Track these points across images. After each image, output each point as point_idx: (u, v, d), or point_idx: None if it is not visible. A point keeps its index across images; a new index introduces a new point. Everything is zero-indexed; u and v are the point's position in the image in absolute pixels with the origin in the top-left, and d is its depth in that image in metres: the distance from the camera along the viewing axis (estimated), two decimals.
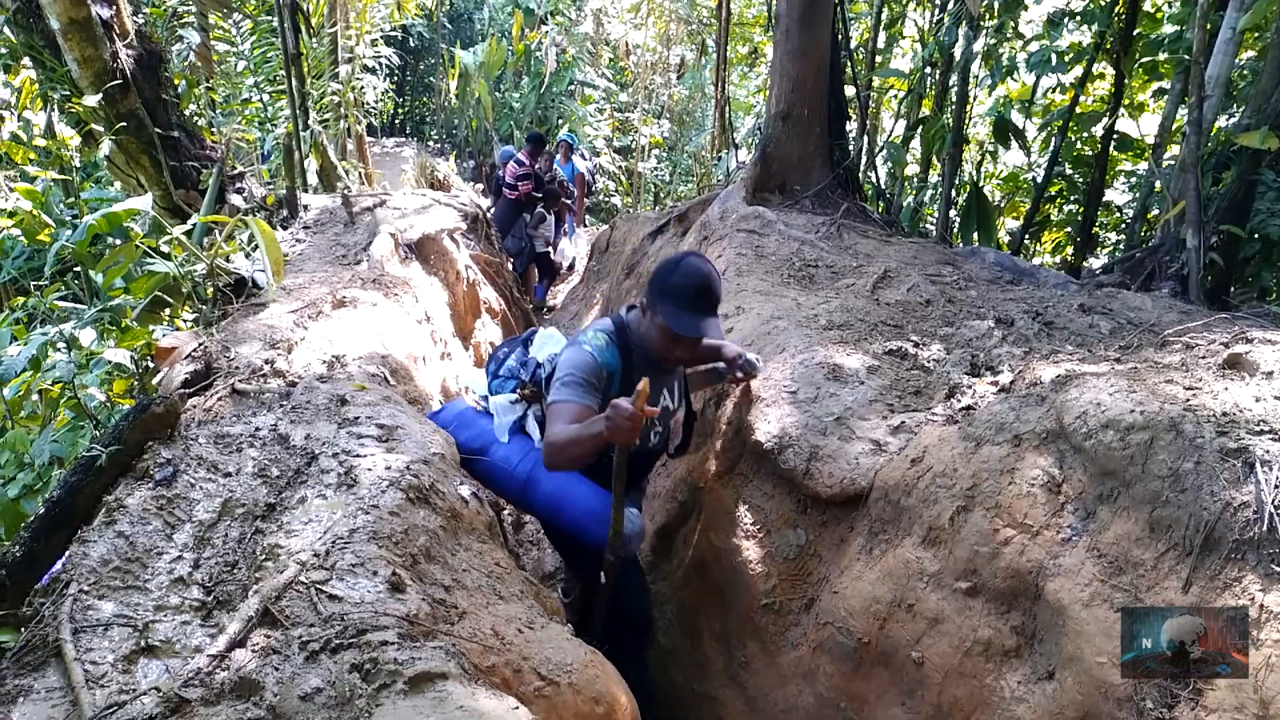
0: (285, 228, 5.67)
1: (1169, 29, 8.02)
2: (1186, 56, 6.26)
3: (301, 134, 7.15)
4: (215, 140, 5.96)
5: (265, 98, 10.07)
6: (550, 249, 10.57)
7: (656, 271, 2.87)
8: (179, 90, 5.72)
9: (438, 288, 5.54)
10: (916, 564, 2.59)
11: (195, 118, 6.71)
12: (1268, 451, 2.04)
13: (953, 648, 2.44)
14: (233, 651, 1.61)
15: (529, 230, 10.16)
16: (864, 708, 2.70)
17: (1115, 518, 2.23)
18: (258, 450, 2.44)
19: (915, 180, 10.99)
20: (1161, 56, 8.04)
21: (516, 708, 1.50)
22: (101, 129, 4.96)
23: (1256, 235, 6.94)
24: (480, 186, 13.04)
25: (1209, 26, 6.10)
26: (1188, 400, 2.28)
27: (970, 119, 10.75)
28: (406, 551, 2.11)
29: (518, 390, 3.26)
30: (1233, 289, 7.33)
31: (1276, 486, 1.98)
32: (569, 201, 11.49)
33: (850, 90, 8.77)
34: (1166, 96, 8.57)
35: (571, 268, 12.17)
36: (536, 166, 10.00)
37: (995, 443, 2.58)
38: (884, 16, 9.87)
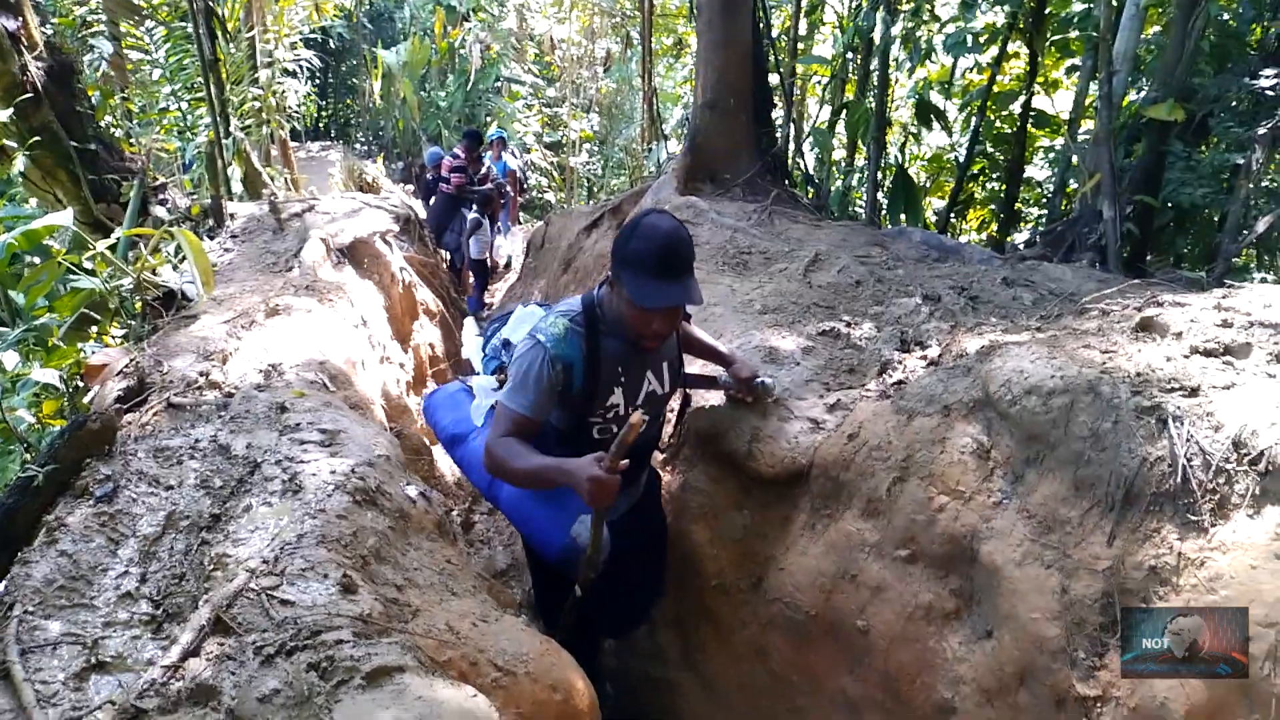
0: (212, 237, 5.57)
1: (1078, 6, 8.28)
2: (1095, 33, 6.46)
3: (224, 141, 7.02)
4: (134, 151, 5.82)
5: (184, 106, 9.84)
6: (487, 254, 10.50)
7: (617, 238, 2.54)
8: (93, 102, 5.58)
9: (373, 291, 5.50)
10: (858, 536, 2.68)
11: (112, 129, 6.54)
12: (1179, 408, 2.15)
13: (896, 614, 2.53)
14: (186, 661, 1.62)
15: (463, 238, 10.11)
16: (815, 679, 2.78)
17: (1042, 479, 2.33)
18: (199, 462, 2.42)
19: (842, 164, 11.17)
20: (1072, 34, 8.31)
21: (475, 695, 1.53)
22: (14, 144, 4.82)
23: (1169, 204, 7.21)
24: (410, 188, 12.92)
25: (1115, 3, 6.32)
26: (1104, 363, 2.39)
27: (893, 102, 10.95)
28: (356, 553, 2.12)
29: (496, 375, 3.09)
30: (1149, 257, 7.62)
31: (1188, 440, 2.09)
32: (504, 200, 11.45)
33: (775, 78, 8.88)
34: (1078, 73, 8.86)
35: (508, 266, 12.14)
36: (468, 171, 9.95)
37: (926, 414, 2.68)
38: (804, 3, 10.01)
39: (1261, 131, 6.21)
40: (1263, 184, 8.30)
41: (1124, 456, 2.17)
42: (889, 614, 2.55)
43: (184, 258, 4.38)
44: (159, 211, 5.47)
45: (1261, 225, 6.44)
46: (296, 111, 12.30)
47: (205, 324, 3.83)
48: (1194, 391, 2.19)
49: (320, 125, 26.58)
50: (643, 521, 3.13)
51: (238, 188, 7.41)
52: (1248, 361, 2.32)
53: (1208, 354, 2.38)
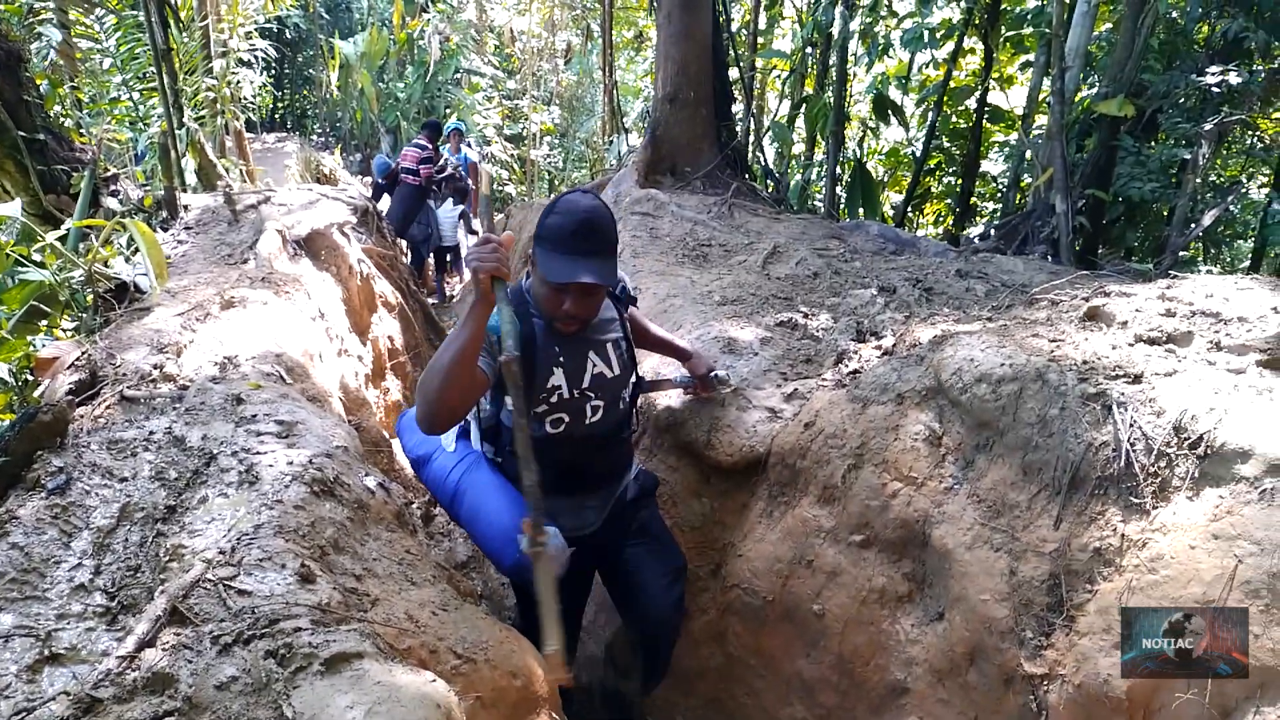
0: (165, 229, 5.48)
1: (1031, 3, 8.43)
2: (1048, 30, 6.59)
3: (177, 132, 6.89)
4: (85, 142, 5.71)
5: (135, 96, 9.65)
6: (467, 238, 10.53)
7: (540, 216, 2.44)
8: (42, 91, 5.47)
9: (330, 283, 5.45)
10: (814, 522, 2.72)
11: (62, 119, 6.41)
12: (1123, 394, 2.21)
13: (851, 598, 2.58)
14: (142, 652, 1.60)
15: (436, 228, 10.11)
16: (771, 663, 2.82)
17: (991, 465, 2.38)
18: (153, 453, 2.40)
19: (801, 158, 11.26)
20: (1026, 30, 8.44)
21: (434, 680, 1.54)
22: None
23: (1120, 198, 7.36)
24: (368, 179, 12.80)
25: (1067, 1, 6.44)
26: (1052, 352, 2.45)
27: (851, 97, 11.05)
28: (314, 544, 2.12)
29: None
30: (1100, 250, 7.77)
31: (1132, 425, 2.15)
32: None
33: (735, 72, 8.93)
34: (1032, 69, 9.00)
35: None
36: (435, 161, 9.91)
37: (880, 402, 2.72)
38: None
39: (1208, 127, 6.37)
40: (1209, 179, 8.51)
41: (1070, 442, 2.23)
42: (844, 598, 2.60)
43: (136, 250, 4.31)
44: (111, 203, 5.37)
45: (1208, 219, 6.61)
46: (252, 102, 12.13)
47: (159, 316, 3.77)
48: (1138, 378, 2.26)
49: (276, 117, 26.20)
50: (638, 527, 2.85)
51: (192, 179, 7.28)
52: (1189, 349, 2.40)
53: (1151, 342, 2.45)
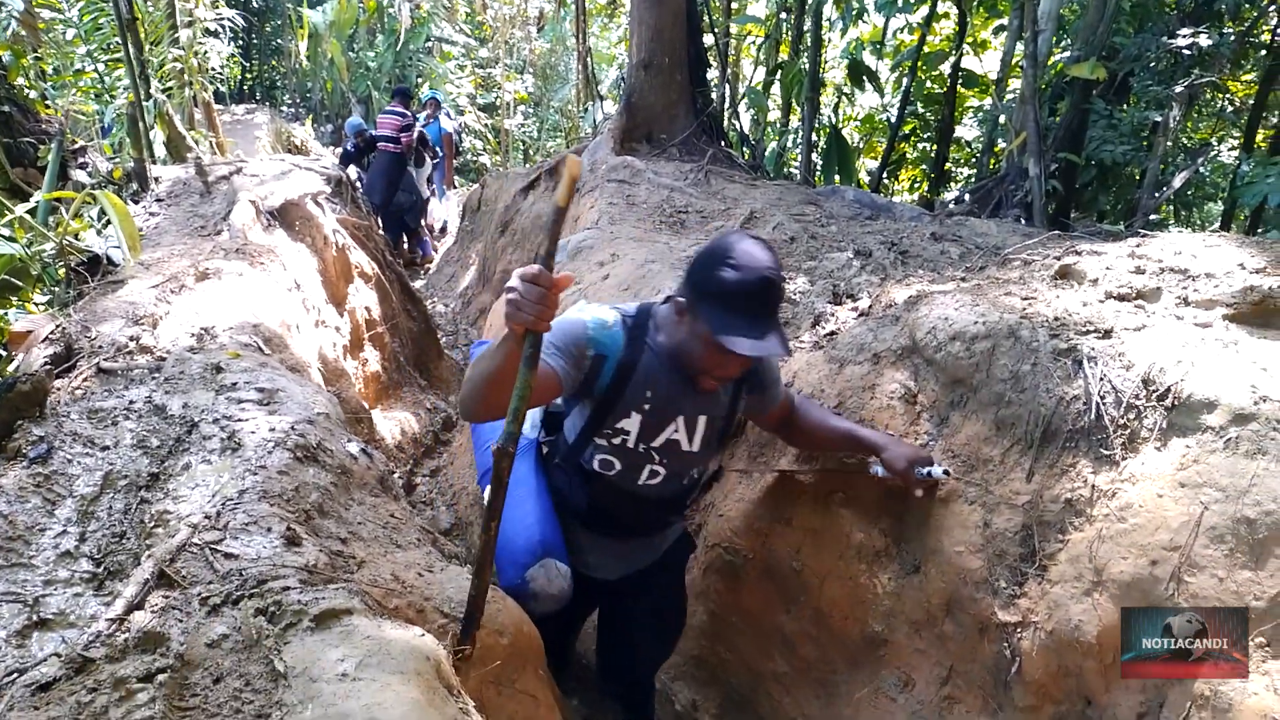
0: (136, 201, 5.42)
1: None
2: None
3: (144, 104, 6.79)
4: (50, 114, 5.62)
5: (100, 67, 9.48)
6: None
7: (699, 258, 2.12)
8: (4, 62, 5.37)
9: (305, 254, 5.41)
10: (793, 481, 2.76)
11: (26, 91, 6.29)
12: (1093, 349, 2.26)
13: (829, 554, 2.63)
14: (131, 614, 1.62)
15: (420, 195, 10.12)
16: (752, 618, 2.87)
17: (966, 421, 2.43)
18: (135, 422, 2.40)
19: (777, 125, 11.25)
20: None
21: (423, 634, 1.57)
22: None
23: (1092, 161, 7.43)
24: (339, 150, 12.67)
25: None
26: (1024, 309, 2.49)
27: (826, 63, 11.03)
28: (299, 508, 2.13)
29: None
30: (1073, 213, 7.85)
31: (1102, 379, 2.20)
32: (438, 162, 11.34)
33: (709, 38, 8.89)
34: (1005, 33, 9.01)
35: (444, 230, 12.02)
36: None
37: (857, 362, 2.76)
38: None
39: (1179, 90, 6.43)
40: (1180, 141, 8.59)
41: (1042, 396, 2.27)
42: (823, 554, 2.65)
43: (108, 222, 4.27)
44: (79, 175, 5.31)
45: (1178, 180, 6.69)
46: (220, 73, 11.92)
47: (133, 289, 3.75)
48: (1108, 334, 2.30)
49: (245, 88, 25.74)
50: (653, 591, 2.71)
51: (160, 151, 7.18)
52: (1158, 305, 2.44)
53: (1121, 298, 2.50)
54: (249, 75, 25.58)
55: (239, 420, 2.44)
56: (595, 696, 3.11)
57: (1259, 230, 7.21)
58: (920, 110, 10.40)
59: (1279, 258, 2.62)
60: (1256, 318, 2.27)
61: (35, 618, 1.69)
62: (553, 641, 2.63)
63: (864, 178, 10.82)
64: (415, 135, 9.74)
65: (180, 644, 1.46)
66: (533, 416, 2.60)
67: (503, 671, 2.06)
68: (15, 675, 1.43)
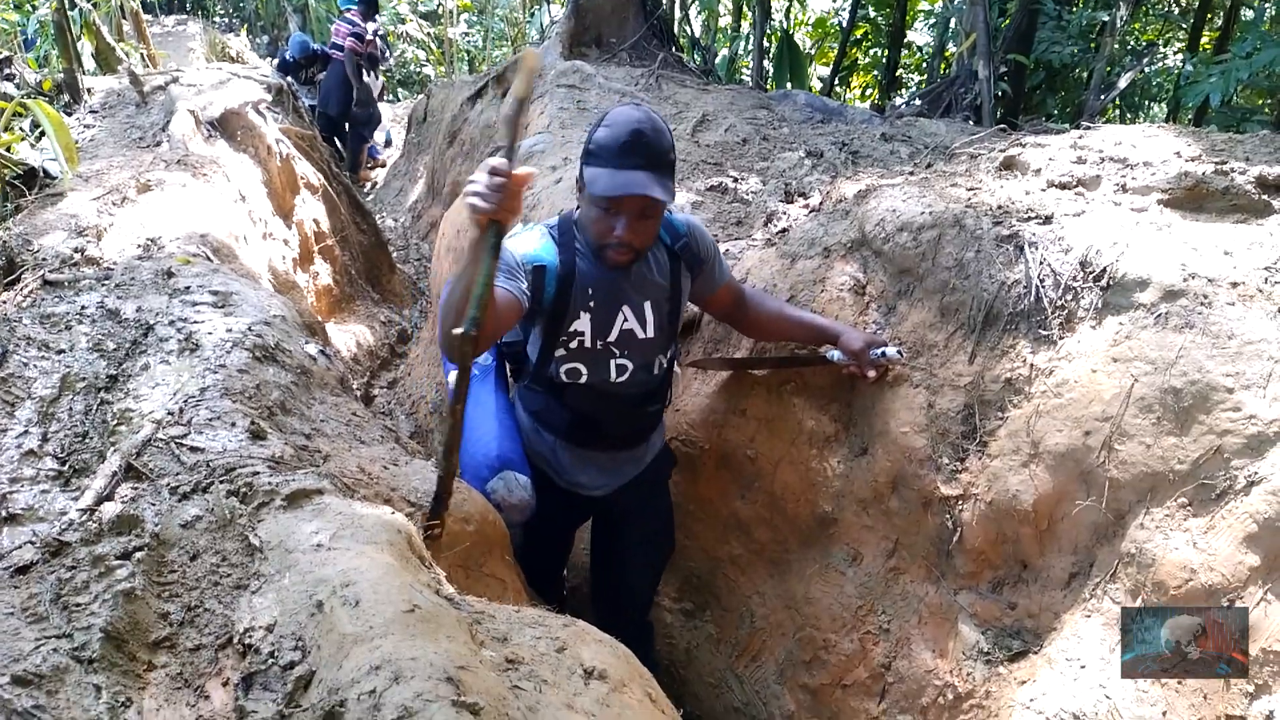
0: (69, 113, 5.24)
1: None
2: None
3: (69, 12, 6.51)
4: None
5: None
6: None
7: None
8: None
9: (249, 165, 5.29)
10: (746, 374, 2.83)
11: None
12: (1034, 234, 2.33)
13: (782, 441, 2.72)
14: (101, 505, 1.65)
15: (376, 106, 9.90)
16: (709, 506, 2.98)
17: (912, 309, 2.51)
18: (89, 326, 2.38)
19: (729, 30, 11.09)
20: None
21: (393, 512, 1.63)
22: None
23: (1040, 64, 7.46)
24: (275, 61, 12.24)
25: None
26: (969, 199, 2.56)
27: None
28: (261, 405, 2.15)
29: None
30: (1021, 115, 7.90)
31: (1041, 263, 2.28)
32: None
33: None
34: None
35: (389, 143, 11.76)
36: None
37: (808, 257, 2.82)
38: None
39: None
40: (1127, 43, 8.64)
41: (985, 282, 2.35)
42: (775, 442, 2.74)
43: (42, 134, 4.15)
44: (6, 87, 5.12)
45: (1123, 81, 6.77)
46: None
47: (73, 202, 3.66)
48: (1048, 220, 2.38)
49: None
50: (642, 509, 2.74)
51: (90, 64, 6.93)
52: (1097, 193, 2.52)
53: (1063, 187, 2.57)
54: None
55: (195, 322, 2.44)
56: None
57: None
58: (871, 15, 10.30)
59: (1214, 146, 2.71)
60: (1190, 202, 2.36)
61: (4, 513, 1.71)
62: (543, 570, 2.77)
63: (815, 85, 10.76)
64: (362, 44, 9.45)
65: (155, 525, 1.50)
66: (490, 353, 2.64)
67: (470, 555, 2.13)
68: None
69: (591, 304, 2.32)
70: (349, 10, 9.79)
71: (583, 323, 2.34)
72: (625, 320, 2.36)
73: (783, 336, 2.71)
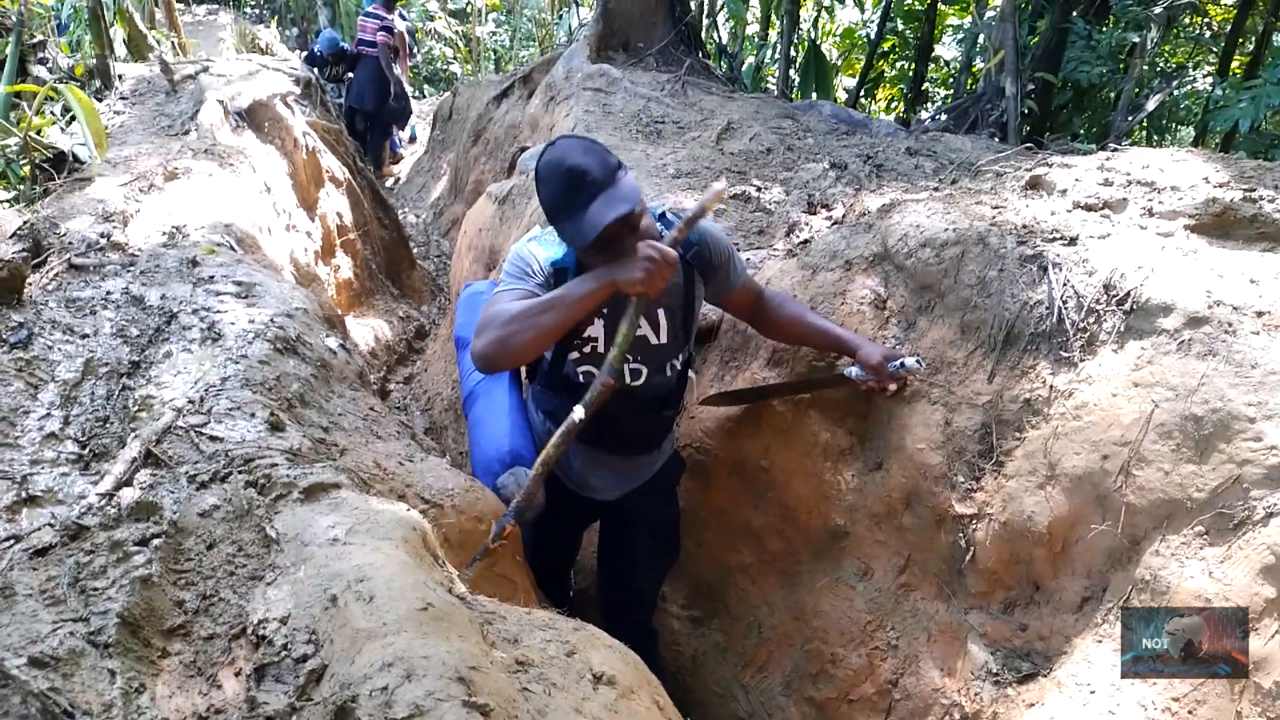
0: (100, 99, 5.30)
1: None
2: None
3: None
4: (7, 4, 5.44)
5: None
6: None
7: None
8: None
9: (275, 156, 5.34)
10: (763, 383, 2.83)
11: None
12: (1058, 255, 2.32)
13: (796, 453, 2.72)
14: (120, 490, 1.67)
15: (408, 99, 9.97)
16: (721, 514, 2.98)
17: (933, 325, 2.50)
18: (113, 312, 2.41)
19: (756, 39, 11.07)
20: None
21: (409, 509, 1.64)
22: None
23: (1068, 83, 7.41)
24: (304, 54, 12.30)
25: None
26: (994, 217, 2.55)
27: None
28: (281, 396, 2.17)
29: None
30: (1047, 134, 7.85)
31: (1065, 284, 2.27)
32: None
33: None
34: None
35: (414, 139, 11.81)
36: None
37: (829, 269, 2.81)
38: None
39: (1158, 10, 6.40)
40: (1156, 65, 8.58)
41: (1007, 301, 2.34)
42: (790, 453, 2.74)
43: (73, 118, 4.19)
44: (39, 71, 5.17)
45: (1152, 103, 6.72)
46: None
47: (101, 186, 3.70)
48: (1073, 241, 2.37)
49: None
50: (649, 513, 2.77)
51: (121, 51, 6.99)
52: (1123, 215, 2.51)
53: (1088, 208, 2.56)
54: None
55: (218, 312, 2.46)
56: None
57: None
58: (900, 27, 10.26)
59: (1243, 173, 2.69)
60: (1217, 229, 2.35)
61: (24, 494, 1.73)
62: (551, 570, 2.83)
63: (841, 96, 10.73)
64: (391, 35, 9.49)
65: (173, 513, 1.51)
66: None
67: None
68: (12, 541, 1.47)
69: (605, 310, 2.31)
70: (373, 5, 9.83)
71: (596, 329, 2.36)
72: (643, 327, 2.36)
73: (801, 341, 2.70)
